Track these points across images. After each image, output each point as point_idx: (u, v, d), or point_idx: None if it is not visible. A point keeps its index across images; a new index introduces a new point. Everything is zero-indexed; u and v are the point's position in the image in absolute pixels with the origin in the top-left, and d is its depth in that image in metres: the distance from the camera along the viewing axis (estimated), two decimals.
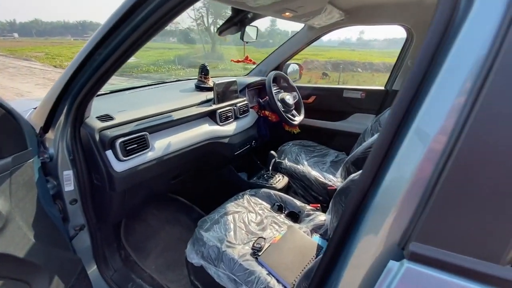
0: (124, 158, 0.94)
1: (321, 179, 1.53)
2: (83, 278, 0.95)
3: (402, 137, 0.40)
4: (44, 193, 0.85)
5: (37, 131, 0.94)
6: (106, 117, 0.97)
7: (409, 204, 0.38)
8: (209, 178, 1.64)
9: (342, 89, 1.96)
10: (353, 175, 0.94)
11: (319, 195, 1.54)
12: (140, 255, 1.39)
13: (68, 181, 0.95)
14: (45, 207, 0.84)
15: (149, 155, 1.03)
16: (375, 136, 1.30)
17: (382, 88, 1.87)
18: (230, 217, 1.15)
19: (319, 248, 1.07)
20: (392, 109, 0.41)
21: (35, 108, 1.01)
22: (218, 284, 0.91)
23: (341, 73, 15.82)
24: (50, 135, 0.92)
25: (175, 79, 1.76)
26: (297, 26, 1.80)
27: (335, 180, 1.51)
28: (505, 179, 0.32)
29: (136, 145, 0.98)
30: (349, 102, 1.97)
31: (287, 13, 1.20)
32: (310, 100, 2.09)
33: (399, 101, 0.40)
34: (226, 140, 1.41)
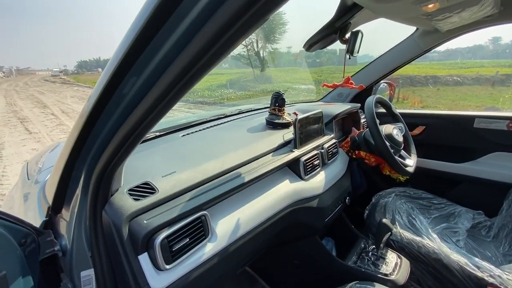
0: (168, 267, 0.54)
1: (471, 270, 0.92)
2: None
3: None
4: None
5: (45, 210, 0.61)
6: (143, 190, 0.60)
7: None
8: (284, 247, 1.16)
9: (472, 117, 1.34)
10: None
11: None
12: None
13: (89, 285, 0.59)
14: None
15: (208, 249, 0.62)
16: None
17: None
18: None
19: None
20: None
21: None
22: None
23: (401, 88, 14.33)
24: (64, 214, 0.59)
25: (237, 111, 1.39)
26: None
27: (502, 277, 0.88)
28: None
29: (188, 239, 0.57)
30: (484, 135, 1.33)
31: (430, 5, 0.72)
32: (416, 131, 1.50)
33: None
34: (314, 203, 0.94)
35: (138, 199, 0.57)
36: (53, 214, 0.60)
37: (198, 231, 0.60)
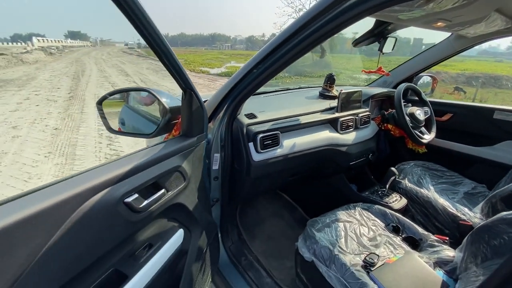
0: (261, 151, 1.12)
1: (451, 209, 1.32)
2: (216, 240, 1.19)
3: None
4: (204, 167, 1.11)
5: None
6: (251, 115, 1.18)
7: None
8: (318, 183, 1.69)
9: (492, 109, 1.61)
10: (505, 213, 0.80)
11: (446, 228, 1.33)
12: (249, 236, 1.59)
13: (216, 162, 1.21)
14: (204, 178, 1.10)
15: (278, 151, 1.18)
16: None
17: None
18: (341, 225, 1.16)
19: (444, 285, 0.95)
20: None
21: None
22: (326, 283, 0.95)
23: (479, 88, 12.58)
24: (211, 124, 1.21)
25: (298, 87, 1.91)
26: (427, 33, 1.58)
27: (470, 215, 1.27)
28: None
29: (270, 141, 1.14)
30: (501, 125, 1.59)
31: (438, 23, 1.10)
32: (445, 118, 1.81)
33: None
34: (343, 149, 1.42)
35: (249, 119, 1.15)
36: (207, 123, 1.22)
37: (275, 141, 1.16)
